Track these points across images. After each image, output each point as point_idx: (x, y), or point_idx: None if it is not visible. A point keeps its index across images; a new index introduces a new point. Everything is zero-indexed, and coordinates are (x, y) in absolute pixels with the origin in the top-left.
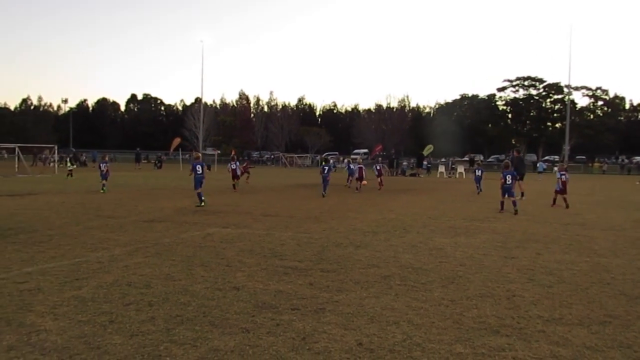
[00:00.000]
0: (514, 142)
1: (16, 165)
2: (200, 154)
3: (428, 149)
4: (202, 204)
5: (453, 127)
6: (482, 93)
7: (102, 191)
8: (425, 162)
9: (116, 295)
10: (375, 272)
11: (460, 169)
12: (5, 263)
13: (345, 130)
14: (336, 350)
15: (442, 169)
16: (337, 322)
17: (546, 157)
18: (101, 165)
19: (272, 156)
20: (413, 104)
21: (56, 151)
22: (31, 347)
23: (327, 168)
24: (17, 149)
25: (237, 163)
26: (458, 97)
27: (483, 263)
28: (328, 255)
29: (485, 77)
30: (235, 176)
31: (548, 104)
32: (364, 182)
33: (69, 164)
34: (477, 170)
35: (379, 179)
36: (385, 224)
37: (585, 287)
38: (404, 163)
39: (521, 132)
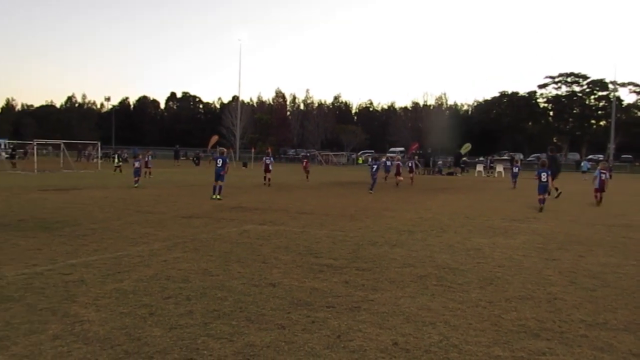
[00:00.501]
0: (555, 141)
1: (61, 161)
2: (225, 150)
3: (466, 148)
4: (216, 197)
5: (492, 125)
6: (522, 90)
7: (135, 185)
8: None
9: (156, 288)
10: (411, 271)
11: (499, 167)
12: (52, 255)
13: (381, 129)
14: (371, 349)
15: (480, 167)
16: (373, 321)
17: (590, 156)
18: (135, 162)
19: (308, 154)
20: (450, 102)
21: (99, 148)
22: (75, 336)
23: (375, 166)
24: (62, 145)
25: (271, 158)
26: (497, 94)
27: (523, 264)
28: (363, 253)
29: (526, 73)
30: (267, 170)
31: (592, 101)
32: (400, 178)
33: (116, 160)
34: (514, 168)
35: (410, 175)
36: (422, 223)
37: (631, 291)
38: (440, 162)
39: (563, 130)
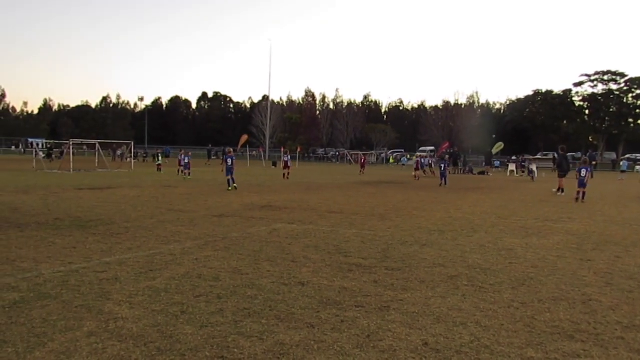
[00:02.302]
0: (591, 140)
1: (96, 161)
2: (231, 149)
3: (498, 147)
4: (230, 188)
5: (525, 124)
6: (557, 88)
7: (187, 178)
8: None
9: (187, 287)
10: (442, 271)
11: (533, 167)
12: (87, 253)
13: (411, 128)
14: (401, 349)
15: (512, 167)
16: (402, 321)
17: (627, 155)
18: (186, 158)
19: (337, 153)
20: (482, 100)
21: (132, 148)
22: (109, 333)
23: (443, 165)
24: (97, 145)
25: (289, 156)
26: (531, 92)
27: (556, 265)
28: (393, 253)
29: (561, 71)
30: (286, 166)
31: (630, 99)
32: (419, 172)
33: (158, 159)
34: (530, 165)
35: (414, 174)
36: (452, 223)
37: None
38: (492, 162)
39: (599, 129)
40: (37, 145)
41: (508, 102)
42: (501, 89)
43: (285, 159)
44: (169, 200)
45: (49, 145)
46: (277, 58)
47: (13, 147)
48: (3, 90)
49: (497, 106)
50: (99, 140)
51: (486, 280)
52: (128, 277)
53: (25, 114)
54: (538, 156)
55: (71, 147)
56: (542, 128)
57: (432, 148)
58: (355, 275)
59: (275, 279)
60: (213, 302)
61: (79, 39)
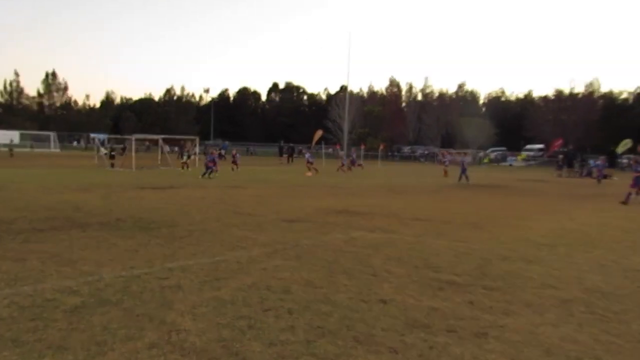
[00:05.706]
0: None
1: (159, 158)
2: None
3: (624, 145)
4: (205, 176)
5: None
6: None
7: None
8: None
9: (255, 299)
10: (552, 294)
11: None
12: (149, 257)
13: (514, 122)
14: None
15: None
16: (503, 351)
17: None
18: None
19: (426, 152)
20: (604, 89)
21: (197, 144)
22: (171, 346)
23: (352, 156)
24: (160, 141)
25: (238, 155)
26: None
27: None
28: (491, 269)
29: None
30: (234, 162)
31: None
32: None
33: (182, 157)
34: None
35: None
36: (565, 236)
37: None
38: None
39: None
40: (99, 141)
41: (637, 91)
42: (628, 74)
43: (237, 155)
44: (236, 202)
45: (110, 145)
46: (358, 43)
47: (75, 143)
48: (66, 83)
49: (624, 95)
50: (162, 136)
51: (608, 306)
52: (192, 285)
53: (87, 107)
54: None
55: (134, 143)
56: None
57: (541, 146)
58: (446, 294)
59: (353, 295)
60: (283, 317)
61: (141, 29)
